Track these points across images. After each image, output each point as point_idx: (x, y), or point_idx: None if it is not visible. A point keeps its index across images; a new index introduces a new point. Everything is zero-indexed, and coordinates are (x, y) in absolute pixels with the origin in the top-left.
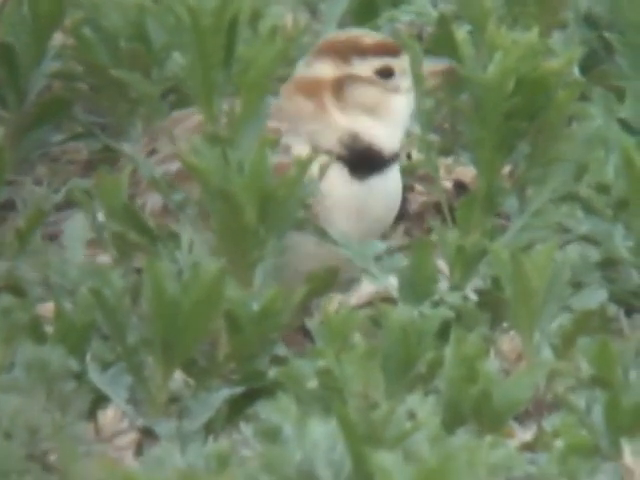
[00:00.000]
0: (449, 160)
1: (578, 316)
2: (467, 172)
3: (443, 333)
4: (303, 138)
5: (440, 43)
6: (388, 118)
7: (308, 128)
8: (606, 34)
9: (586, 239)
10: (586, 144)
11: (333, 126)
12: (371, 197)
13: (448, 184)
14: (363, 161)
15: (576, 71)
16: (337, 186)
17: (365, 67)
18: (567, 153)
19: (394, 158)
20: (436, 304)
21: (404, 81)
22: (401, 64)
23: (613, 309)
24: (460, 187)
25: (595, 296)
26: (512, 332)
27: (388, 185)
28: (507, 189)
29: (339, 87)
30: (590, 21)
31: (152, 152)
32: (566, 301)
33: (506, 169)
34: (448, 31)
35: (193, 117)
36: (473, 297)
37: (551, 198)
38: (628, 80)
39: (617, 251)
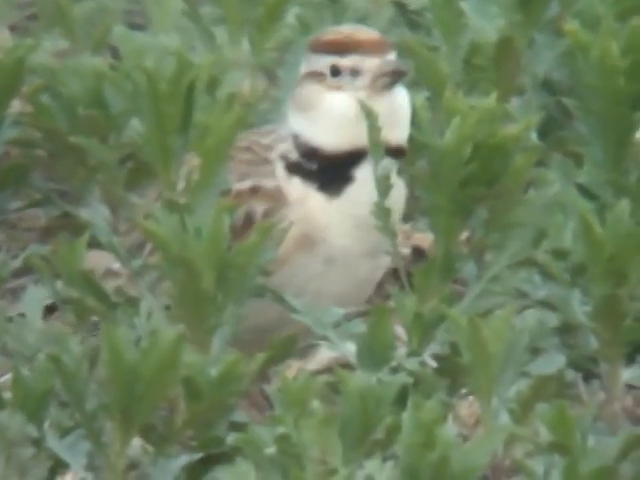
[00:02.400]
0: (407, 226)
1: (536, 382)
2: (425, 238)
3: (401, 399)
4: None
5: None
6: (323, 116)
7: (283, 143)
8: (564, 100)
9: (544, 304)
10: (544, 210)
11: (289, 130)
12: (356, 207)
13: (406, 250)
14: (321, 171)
15: (534, 137)
16: (316, 209)
17: (321, 64)
18: (525, 219)
19: (353, 159)
20: (394, 370)
21: (355, 80)
22: (349, 63)
23: (571, 374)
24: (418, 253)
25: (553, 362)
26: (470, 398)
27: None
28: (465, 255)
29: (301, 85)
30: (548, 87)
31: None
32: (524, 367)
33: (464, 235)
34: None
35: None
36: (431, 363)
37: (509, 264)
38: (586, 146)
39: (575, 316)
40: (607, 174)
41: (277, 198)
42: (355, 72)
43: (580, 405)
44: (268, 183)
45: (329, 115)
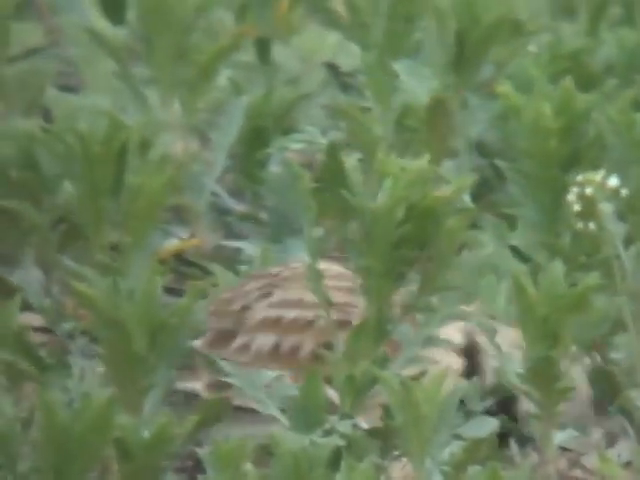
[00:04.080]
0: None
1: (469, 444)
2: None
3: (334, 461)
4: None
5: (330, 171)
6: None
7: None
8: (497, 162)
9: None
10: (477, 272)
11: None
12: None
13: None
14: None
15: (467, 199)
16: None
17: None
18: (458, 281)
19: None
20: (327, 432)
21: None
22: None
23: (504, 436)
24: None
25: (486, 424)
26: (403, 459)
27: None
28: (397, 317)
29: None
30: (481, 149)
31: (268, 294)
32: (457, 429)
33: (396, 297)
34: (338, 159)
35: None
36: (364, 425)
37: (441, 325)
38: (519, 208)
39: (508, 379)
40: (540, 236)
41: None
42: None
43: (513, 467)
44: None
45: None
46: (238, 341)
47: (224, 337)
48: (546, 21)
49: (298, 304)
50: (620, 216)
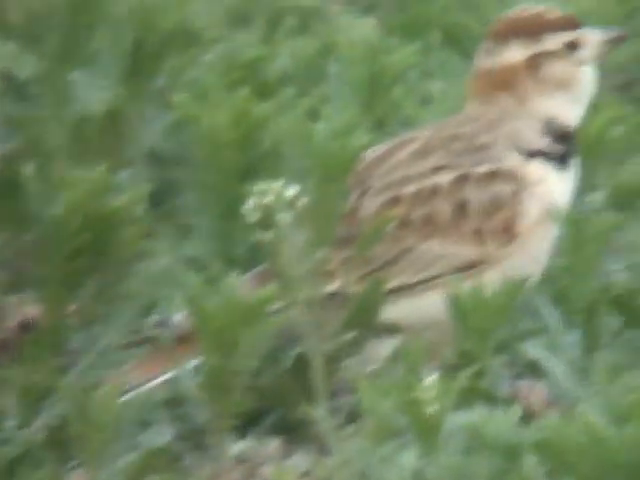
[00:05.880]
0: (17, 297)
1: (144, 454)
2: (34, 309)
3: (10, 471)
4: (508, 145)
5: (6, 181)
6: (579, 92)
7: (510, 129)
8: (173, 171)
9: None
10: (154, 281)
11: (535, 116)
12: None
13: (15, 321)
14: (564, 150)
15: (143, 208)
16: (553, 187)
17: (556, 42)
18: (134, 290)
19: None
20: (4, 442)
21: (587, 52)
22: (584, 36)
23: (179, 446)
24: (27, 324)
25: (161, 434)
26: (80, 470)
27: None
28: (74, 326)
29: (535, 68)
30: (157, 158)
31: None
32: (134, 439)
33: (73, 306)
34: (14, 169)
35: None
36: (41, 434)
37: (119, 335)
38: (195, 217)
39: (186, 389)
40: (216, 245)
41: (519, 178)
42: (579, 45)
43: (189, 477)
44: (504, 165)
45: (584, 91)
46: None
47: None
48: (222, 31)
49: None
50: (297, 225)
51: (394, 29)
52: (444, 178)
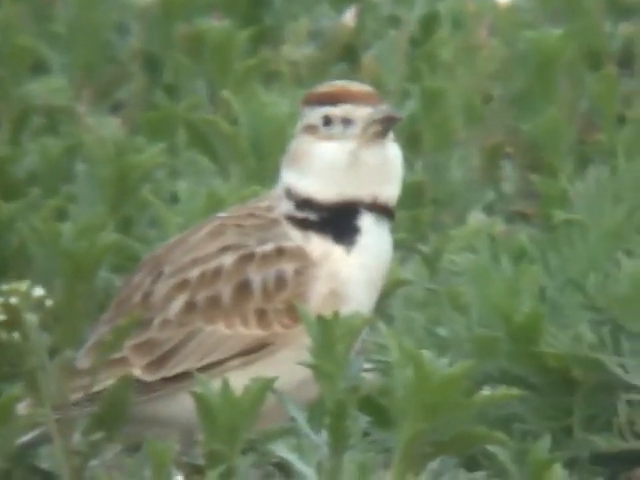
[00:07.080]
0: None
1: None
2: None
3: None
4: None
5: None
6: (313, 164)
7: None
8: None
9: None
10: None
11: (280, 185)
12: (368, 259)
13: None
14: (322, 219)
15: None
16: (339, 264)
17: (315, 115)
18: None
19: (350, 209)
20: None
21: (347, 130)
22: (340, 112)
23: None
24: None
25: None
26: None
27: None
28: None
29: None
30: None
31: None
32: None
33: None
34: None
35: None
36: None
37: None
38: None
39: None
40: None
41: (303, 257)
42: (347, 121)
43: None
44: (288, 243)
45: (318, 164)
46: None
47: None
48: None
49: None
50: (44, 326)
51: (141, 128)
52: (228, 259)
